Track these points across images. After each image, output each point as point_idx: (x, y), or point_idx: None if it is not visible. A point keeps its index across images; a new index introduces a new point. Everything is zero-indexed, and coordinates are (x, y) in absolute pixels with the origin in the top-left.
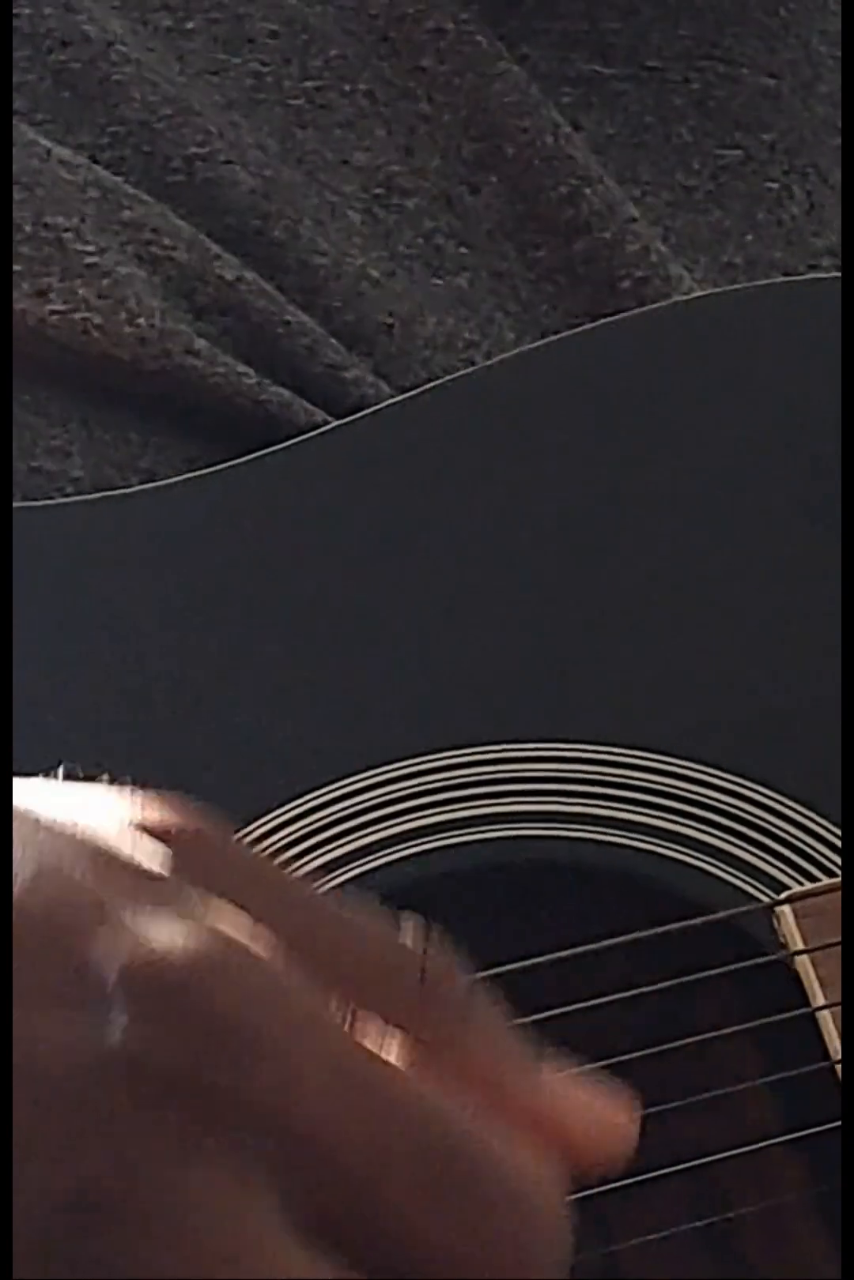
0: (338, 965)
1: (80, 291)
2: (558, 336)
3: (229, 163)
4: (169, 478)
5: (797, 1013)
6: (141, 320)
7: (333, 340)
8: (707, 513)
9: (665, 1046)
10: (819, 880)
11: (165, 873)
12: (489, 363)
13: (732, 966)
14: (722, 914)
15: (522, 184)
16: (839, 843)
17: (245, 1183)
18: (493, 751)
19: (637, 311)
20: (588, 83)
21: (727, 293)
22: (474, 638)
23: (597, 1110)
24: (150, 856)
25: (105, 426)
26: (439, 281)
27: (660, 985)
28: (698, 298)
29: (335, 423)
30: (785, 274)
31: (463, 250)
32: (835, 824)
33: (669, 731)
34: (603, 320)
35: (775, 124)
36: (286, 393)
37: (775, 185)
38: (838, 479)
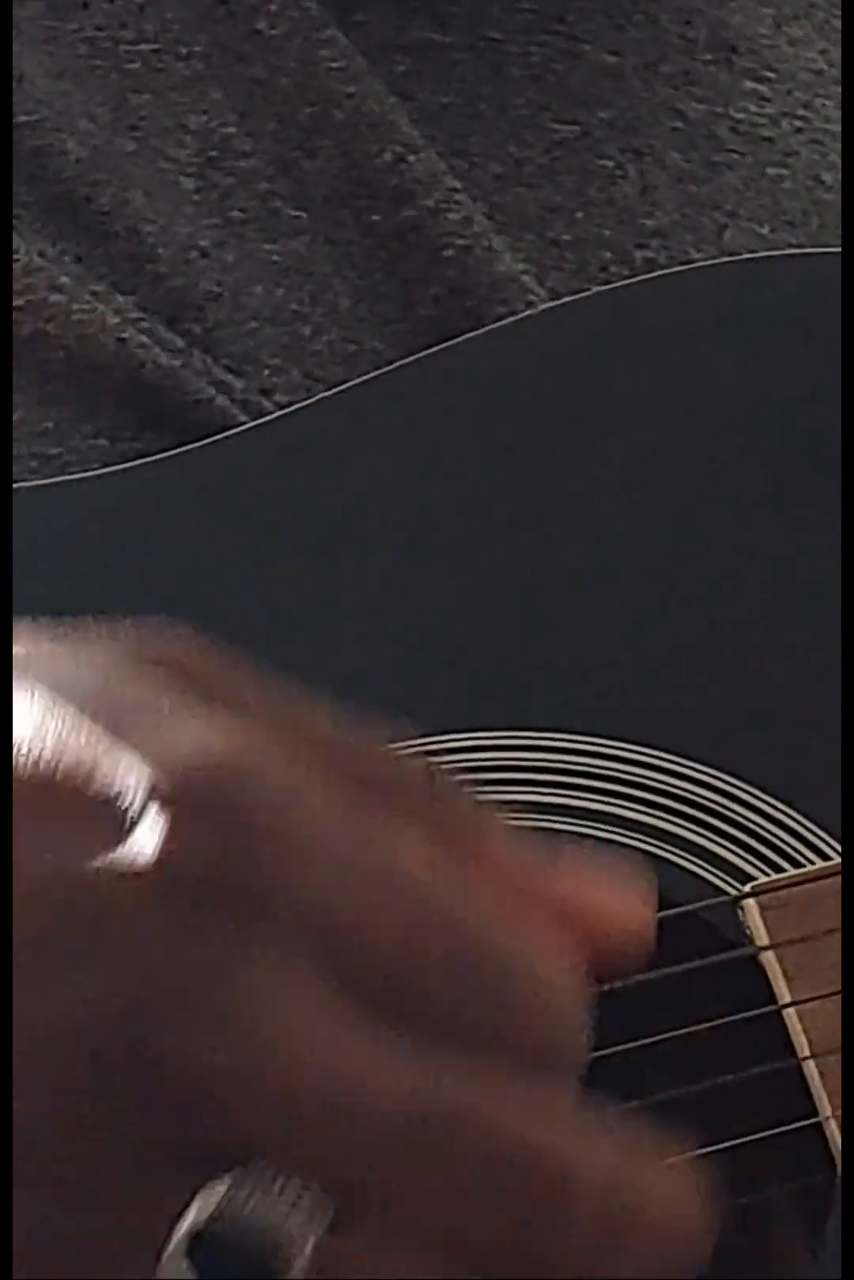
0: (356, 770)
1: None
2: (534, 312)
3: (57, 131)
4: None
5: (764, 1011)
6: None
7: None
8: (667, 501)
9: (629, 1046)
10: (786, 871)
11: (169, 684)
12: (466, 337)
13: (697, 963)
14: (686, 908)
15: (351, 151)
16: (806, 833)
17: (293, 977)
18: (455, 741)
19: (605, 288)
20: (422, 51)
21: (707, 267)
22: (436, 627)
23: (615, 900)
24: (153, 673)
25: None
26: (273, 245)
27: (623, 982)
28: (677, 272)
29: (296, 405)
30: (615, 253)
31: (299, 214)
32: (802, 814)
33: (632, 720)
34: (577, 297)
35: (614, 102)
36: (144, 334)
37: (610, 163)
38: (808, 464)
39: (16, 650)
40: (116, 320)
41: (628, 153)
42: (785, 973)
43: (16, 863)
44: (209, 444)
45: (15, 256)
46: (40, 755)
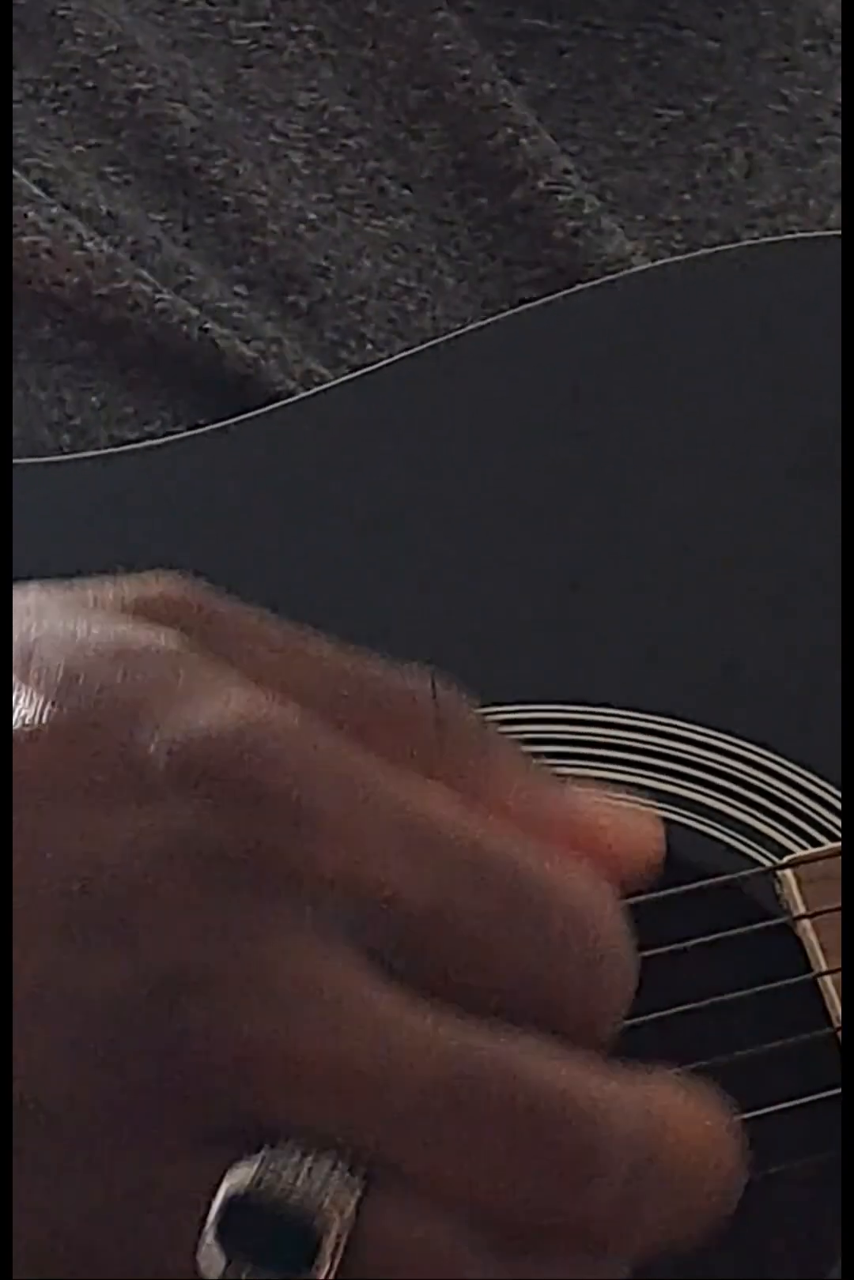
0: (360, 719)
1: (30, 216)
2: (565, 293)
3: (172, 100)
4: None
5: (799, 979)
6: (90, 245)
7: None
8: (704, 474)
9: (665, 1012)
10: (822, 844)
11: (184, 651)
12: (494, 319)
13: (733, 931)
14: (724, 878)
15: (461, 132)
16: (840, 805)
17: (327, 944)
18: (491, 713)
19: (636, 270)
20: (530, 38)
21: (723, 252)
22: (468, 600)
23: (627, 820)
24: (167, 639)
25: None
26: (380, 222)
27: (660, 949)
28: (695, 257)
29: (339, 379)
30: (724, 233)
31: (406, 192)
32: (839, 788)
33: (671, 693)
34: (602, 280)
35: (718, 87)
36: (233, 324)
37: (715, 146)
38: (838, 438)
39: (24, 601)
40: (197, 312)
41: (733, 135)
42: (821, 944)
43: (38, 832)
44: (251, 417)
45: (100, 247)
46: (62, 721)
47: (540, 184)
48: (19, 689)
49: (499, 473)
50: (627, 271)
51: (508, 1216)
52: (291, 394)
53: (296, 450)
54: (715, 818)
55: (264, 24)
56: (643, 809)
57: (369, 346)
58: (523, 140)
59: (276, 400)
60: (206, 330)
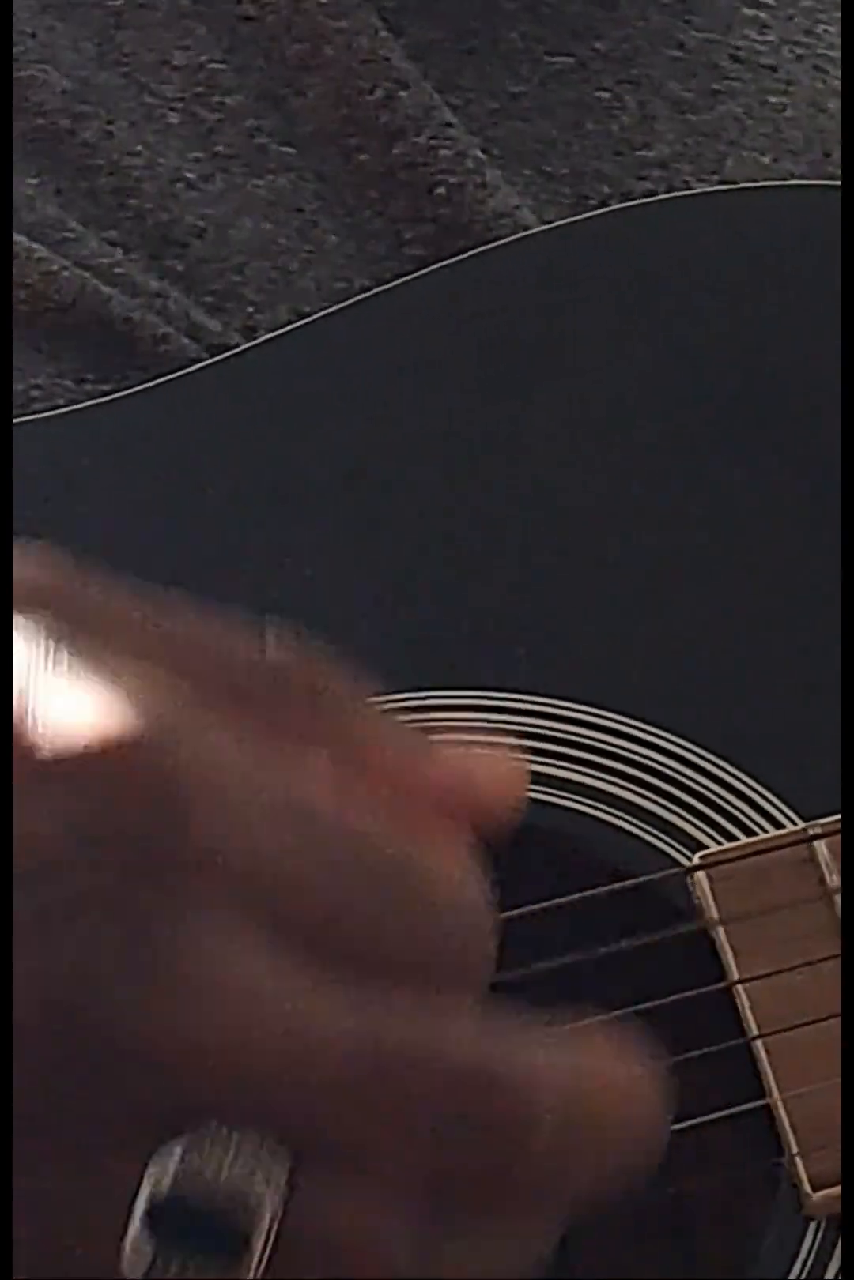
0: (233, 691)
1: None
2: (468, 255)
3: (42, 63)
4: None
5: (713, 988)
6: None
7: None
8: (618, 442)
9: (579, 1023)
10: (738, 839)
11: (54, 638)
12: (397, 283)
13: (645, 938)
14: (634, 882)
15: (342, 87)
16: (758, 799)
17: (229, 934)
18: (398, 700)
19: (538, 229)
20: None
21: (624, 209)
22: (372, 579)
23: (491, 768)
24: (37, 623)
25: None
26: (260, 182)
27: (571, 958)
28: (598, 215)
29: (242, 347)
30: (612, 186)
31: (287, 149)
32: (753, 778)
33: (583, 680)
34: (505, 240)
35: (609, 32)
36: (113, 279)
37: (606, 95)
38: (771, 403)
39: None
40: (76, 267)
41: (625, 83)
42: (733, 948)
43: None
44: (167, 380)
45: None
46: None
47: (421, 139)
48: None
49: (402, 444)
50: (529, 231)
51: (441, 1184)
52: (177, 346)
53: (190, 422)
54: (630, 811)
55: None
56: (505, 754)
57: (250, 307)
58: (402, 94)
59: (162, 351)
60: (87, 282)
